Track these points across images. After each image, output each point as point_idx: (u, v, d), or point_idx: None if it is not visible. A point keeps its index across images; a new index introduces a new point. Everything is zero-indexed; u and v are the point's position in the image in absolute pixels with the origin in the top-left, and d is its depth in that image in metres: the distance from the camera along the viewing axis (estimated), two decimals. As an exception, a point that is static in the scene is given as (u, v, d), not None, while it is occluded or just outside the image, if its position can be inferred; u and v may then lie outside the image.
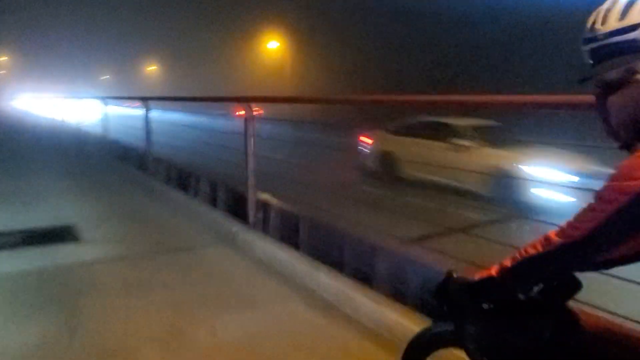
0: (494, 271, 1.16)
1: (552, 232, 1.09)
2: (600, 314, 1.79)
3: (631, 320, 1.77)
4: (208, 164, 6.26)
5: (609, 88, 1.04)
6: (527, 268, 1.11)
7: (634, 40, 0.99)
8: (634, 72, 1.00)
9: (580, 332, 1.19)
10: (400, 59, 22.15)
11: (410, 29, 21.43)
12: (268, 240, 4.13)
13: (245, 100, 4.51)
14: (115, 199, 6.45)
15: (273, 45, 32.64)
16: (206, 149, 5.95)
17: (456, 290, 1.23)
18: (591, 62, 1.07)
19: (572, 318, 1.19)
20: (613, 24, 1.02)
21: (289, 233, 4.09)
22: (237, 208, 4.86)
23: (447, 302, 1.27)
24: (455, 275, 1.24)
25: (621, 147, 1.07)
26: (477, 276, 1.20)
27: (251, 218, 4.45)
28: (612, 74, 1.03)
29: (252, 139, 4.40)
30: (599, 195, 1.02)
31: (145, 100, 7.44)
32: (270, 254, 3.92)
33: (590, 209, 1.03)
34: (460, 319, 1.27)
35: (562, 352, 1.17)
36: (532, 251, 1.09)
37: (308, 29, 28.05)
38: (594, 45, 1.06)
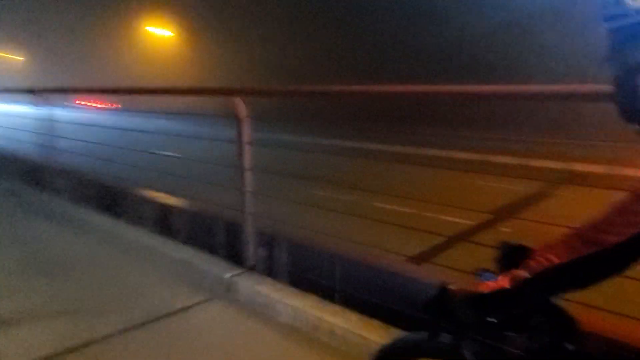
0: (506, 283, 1.04)
1: (574, 234, 1.00)
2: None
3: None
4: (131, 174, 4.74)
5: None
6: (550, 279, 1.00)
7: None
8: None
9: (580, 334, 1.07)
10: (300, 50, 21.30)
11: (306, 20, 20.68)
12: (286, 291, 2.90)
13: (232, 93, 3.19)
14: (7, 233, 4.53)
15: (161, 33, 29.73)
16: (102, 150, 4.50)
17: (459, 305, 1.08)
18: (613, 42, 0.93)
19: (571, 320, 1.06)
20: None
21: (308, 275, 2.92)
22: (215, 241, 3.51)
23: (445, 317, 1.12)
24: (452, 287, 1.12)
25: None
26: (485, 289, 1.07)
27: (250, 258, 3.16)
28: None
29: (247, 147, 3.11)
30: (620, 207, 0.94)
31: (35, 93, 5.52)
32: (295, 312, 2.71)
33: (609, 221, 0.95)
34: (459, 334, 1.17)
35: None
36: (555, 259, 0.99)
37: (204, 17, 25.94)
38: (621, 23, 0.91)
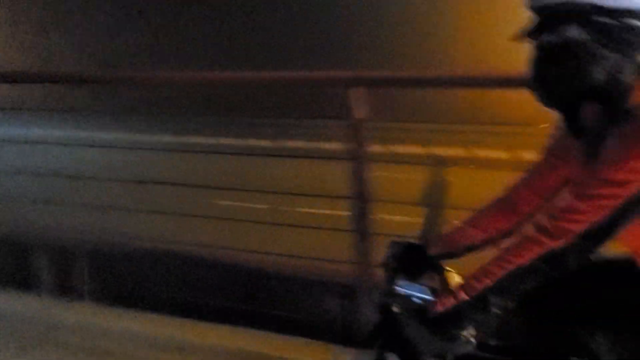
0: (461, 295, 0.99)
1: (533, 230, 0.98)
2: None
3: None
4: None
5: (564, 52, 0.96)
6: (514, 281, 0.96)
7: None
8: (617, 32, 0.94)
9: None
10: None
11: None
12: None
13: (344, 82, 2.06)
14: None
15: None
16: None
17: (411, 326, 1.03)
18: (539, 22, 0.99)
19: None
20: None
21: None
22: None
23: (395, 340, 1.07)
24: (398, 309, 1.06)
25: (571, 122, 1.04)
26: (438, 307, 1.00)
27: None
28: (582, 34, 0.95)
29: (363, 166, 2.04)
30: (607, 178, 0.92)
31: None
32: None
33: (592, 195, 0.94)
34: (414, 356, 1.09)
35: None
36: (518, 260, 0.96)
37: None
38: (546, 2, 0.99)
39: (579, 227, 0.93)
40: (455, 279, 1.14)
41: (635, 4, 0.95)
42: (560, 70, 0.98)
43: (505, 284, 0.96)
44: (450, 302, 1.00)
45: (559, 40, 0.96)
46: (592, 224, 0.93)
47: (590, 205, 0.93)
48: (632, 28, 0.95)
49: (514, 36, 1.01)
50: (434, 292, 1.06)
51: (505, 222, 1.22)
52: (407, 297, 1.06)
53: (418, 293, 1.05)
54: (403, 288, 1.07)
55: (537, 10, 0.99)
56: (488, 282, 0.97)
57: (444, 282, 1.13)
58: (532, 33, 1.00)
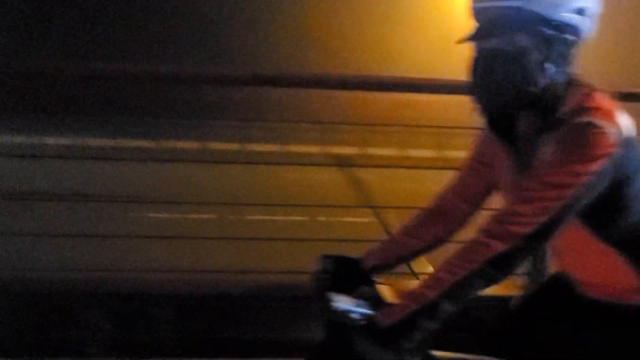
0: (411, 305, 0.96)
1: (481, 235, 0.99)
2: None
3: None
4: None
5: (510, 55, 1.00)
6: (465, 287, 0.96)
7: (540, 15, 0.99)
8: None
9: None
10: None
11: None
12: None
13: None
14: None
15: None
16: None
17: (359, 342, 0.98)
18: (486, 27, 1.02)
19: None
20: None
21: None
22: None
23: (345, 357, 1.03)
24: (342, 325, 1.01)
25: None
26: (386, 319, 0.97)
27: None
28: (528, 40, 1.00)
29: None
30: (550, 182, 0.97)
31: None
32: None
33: (535, 198, 0.98)
34: None
35: None
36: (467, 265, 0.96)
37: None
38: (488, 4, 1.02)
39: (525, 230, 0.97)
40: (388, 291, 1.15)
41: (572, 19, 1.01)
42: (506, 75, 1.00)
43: (456, 290, 0.96)
44: (399, 312, 0.97)
45: (508, 46, 1.00)
46: (537, 225, 0.97)
47: (535, 208, 0.97)
48: (568, 42, 1.03)
49: (458, 40, 1.02)
50: (372, 305, 1.03)
51: (439, 229, 1.25)
52: (345, 313, 1.02)
53: (356, 308, 1.02)
54: (339, 303, 1.03)
55: (486, 15, 1.01)
56: (440, 289, 0.97)
57: (378, 295, 1.13)
58: (475, 37, 1.02)
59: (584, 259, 1.11)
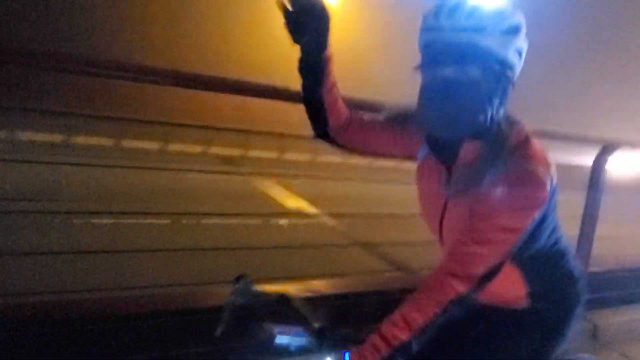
0: (384, 347, 1.04)
1: (443, 275, 1.07)
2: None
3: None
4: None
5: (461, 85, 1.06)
6: (432, 324, 1.05)
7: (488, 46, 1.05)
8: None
9: None
10: None
11: None
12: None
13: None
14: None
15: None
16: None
17: None
18: (442, 57, 1.07)
19: None
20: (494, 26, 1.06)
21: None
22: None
23: None
24: None
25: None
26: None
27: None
28: (478, 73, 1.05)
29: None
30: (502, 225, 1.05)
31: None
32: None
33: (490, 240, 1.05)
34: None
35: None
36: (436, 306, 1.05)
37: None
38: (434, 37, 1.07)
39: (481, 270, 1.05)
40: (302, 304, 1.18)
41: (514, 59, 1.09)
42: (459, 104, 1.07)
43: (424, 328, 1.05)
44: (371, 355, 1.04)
45: (462, 77, 1.05)
46: (491, 266, 1.06)
47: (491, 250, 1.06)
48: (509, 80, 1.11)
49: (413, 69, 1.10)
50: (308, 330, 1.09)
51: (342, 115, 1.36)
52: (287, 347, 1.08)
53: (297, 339, 1.08)
54: (282, 337, 1.08)
55: (442, 45, 1.06)
56: (411, 330, 1.04)
57: (302, 314, 1.15)
58: (432, 65, 1.08)
59: None
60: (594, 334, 2.96)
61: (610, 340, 2.97)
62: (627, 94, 13.43)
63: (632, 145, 3.13)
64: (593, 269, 3.07)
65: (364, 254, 4.24)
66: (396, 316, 1.06)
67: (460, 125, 1.10)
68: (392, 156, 1.39)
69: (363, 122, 1.36)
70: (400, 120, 1.34)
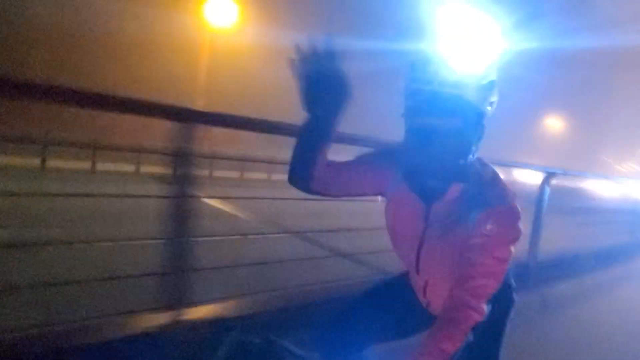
0: None
1: (461, 309, 1.17)
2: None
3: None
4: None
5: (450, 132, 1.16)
6: (459, 351, 1.15)
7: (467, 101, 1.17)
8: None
9: None
10: None
11: None
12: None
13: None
14: None
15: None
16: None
17: None
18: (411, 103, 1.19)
19: None
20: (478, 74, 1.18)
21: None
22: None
23: None
24: None
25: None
26: None
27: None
28: (459, 122, 1.17)
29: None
30: (497, 257, 1.19)
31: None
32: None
33: (493, 272, 1.19)
34: None
35: None
36: (462, 335, 1.15)
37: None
38: (421, 87, 1.17)
39: (488, 298, 1.18)
40: None
41: (488, 110, 1.22)
42: (443, 149, 1.17)
43: (453, 355, 1.14)
44: None
45: (447, 126, 1.15)
46: (494, 292, 1.20)
47: (495, 279, 1.19)
48: (484, 128, 1.24)
49: (401, 114, 1.20)
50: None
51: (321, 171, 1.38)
52: None
53: None
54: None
55: (430, 96, 1.15)
56: (445, 358, 1.13)
57: None
58: (419, 114, 1.16)
59: (444, 292, 1.25)
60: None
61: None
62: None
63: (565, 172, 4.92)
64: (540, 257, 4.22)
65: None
66: (431, 347, 1.14)
67: (445, 169, 1.20)
68: (362, 194, 1.43)
69: (339, 169, 1.37)
70: (369, 159, 1.41)
